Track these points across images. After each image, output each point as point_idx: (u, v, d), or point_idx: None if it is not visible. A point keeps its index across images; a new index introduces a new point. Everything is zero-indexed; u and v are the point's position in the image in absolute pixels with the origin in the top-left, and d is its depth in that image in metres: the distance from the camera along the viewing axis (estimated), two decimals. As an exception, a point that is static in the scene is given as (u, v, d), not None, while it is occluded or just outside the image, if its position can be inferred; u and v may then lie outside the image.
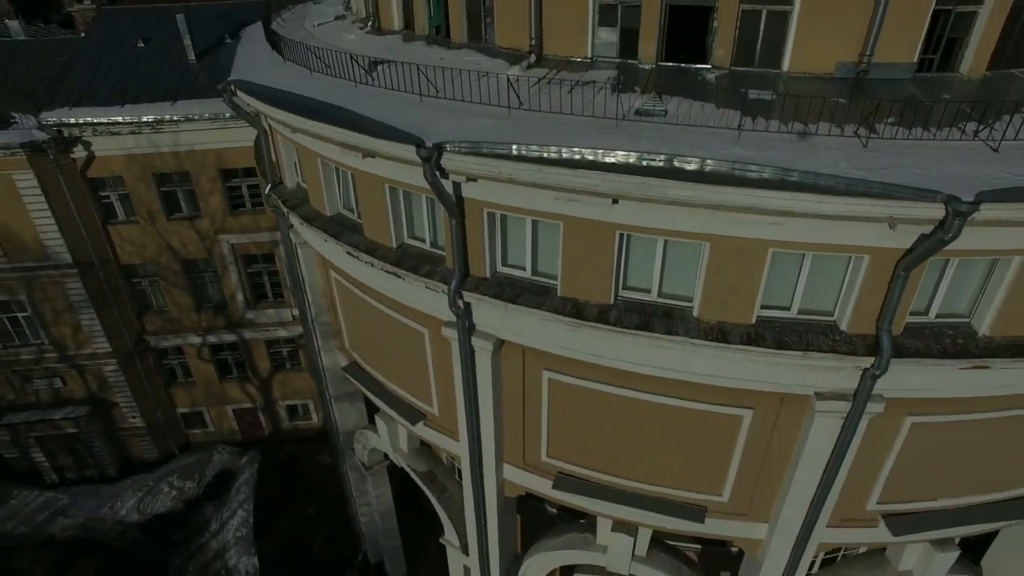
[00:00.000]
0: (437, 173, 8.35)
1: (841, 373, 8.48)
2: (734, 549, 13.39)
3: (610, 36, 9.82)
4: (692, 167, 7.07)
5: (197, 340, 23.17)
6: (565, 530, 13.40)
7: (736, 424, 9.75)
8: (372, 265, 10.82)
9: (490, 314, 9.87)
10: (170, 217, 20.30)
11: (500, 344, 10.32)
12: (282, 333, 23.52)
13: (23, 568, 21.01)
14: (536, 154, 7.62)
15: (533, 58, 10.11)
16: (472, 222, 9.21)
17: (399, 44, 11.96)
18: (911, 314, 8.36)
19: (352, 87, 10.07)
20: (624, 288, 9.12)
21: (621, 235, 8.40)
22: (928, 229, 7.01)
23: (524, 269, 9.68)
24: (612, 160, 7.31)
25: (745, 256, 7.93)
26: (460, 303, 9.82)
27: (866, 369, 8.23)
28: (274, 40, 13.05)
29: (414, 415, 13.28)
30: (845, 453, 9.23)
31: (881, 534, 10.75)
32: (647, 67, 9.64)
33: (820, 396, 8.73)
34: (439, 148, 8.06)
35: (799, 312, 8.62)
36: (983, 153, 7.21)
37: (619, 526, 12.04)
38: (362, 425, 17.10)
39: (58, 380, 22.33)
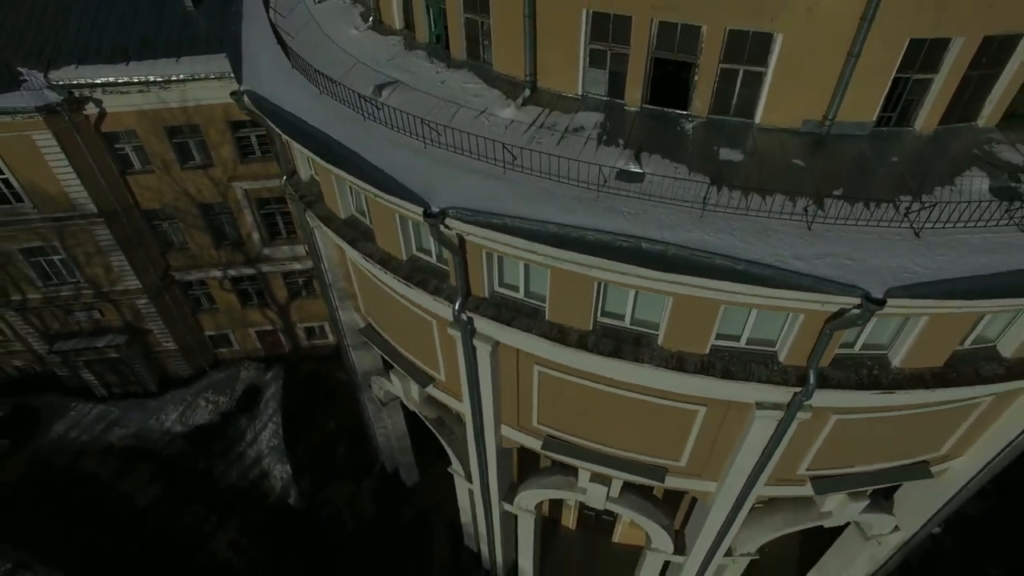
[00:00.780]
0: (441, 227, 9.64)
1: (777, 392, 10.33)
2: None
3: (600, 76, 10.49)
4: (656, 250, 8.41)
5: (218, 274, 24.92)
6: (553, 472, 16.01)
7: (692, 416, 11.79)
8: (385, 273, 12.30)
9: (489, 325, 11.53)
10: (184, 166, 21.18)
11: (497, 344, 12.08)
12: (297, 266, 25.21)
13: (92, 471, 24.43)
14: (524, 227, 8.90)
15: (528, 92, 10.82)
16: (472, 258, 10.61)
17: (401, 52, 12.44)
18: (840, 347, 10.03)
19: (360, 120, 10.90)
20: (602, 315, 10.72)
21: (599, 283, 9.86)
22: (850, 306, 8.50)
23: (517, 290, 11.21)
24: (591, 239, 8.62)
25: (701, 308, 9.47)
26: (464, 317, 11.45)
27: (796, 393, 10.07)
28: (278, 33, 13.43)
29: (424, 378, 15.36)
30: (779, 442, 11.32)
31: (808, 491, 13.24)
32: (632, 110, 10.45)
33: (760, 406, 10.65)
34: (443, 212, 9.29)
35: (747, 342, 10.29)
36: (906, 239, 8.46)
37: (596, 477, 14.56)
38: (378, 368, 19.30)
39: (97, 312, 24.43)
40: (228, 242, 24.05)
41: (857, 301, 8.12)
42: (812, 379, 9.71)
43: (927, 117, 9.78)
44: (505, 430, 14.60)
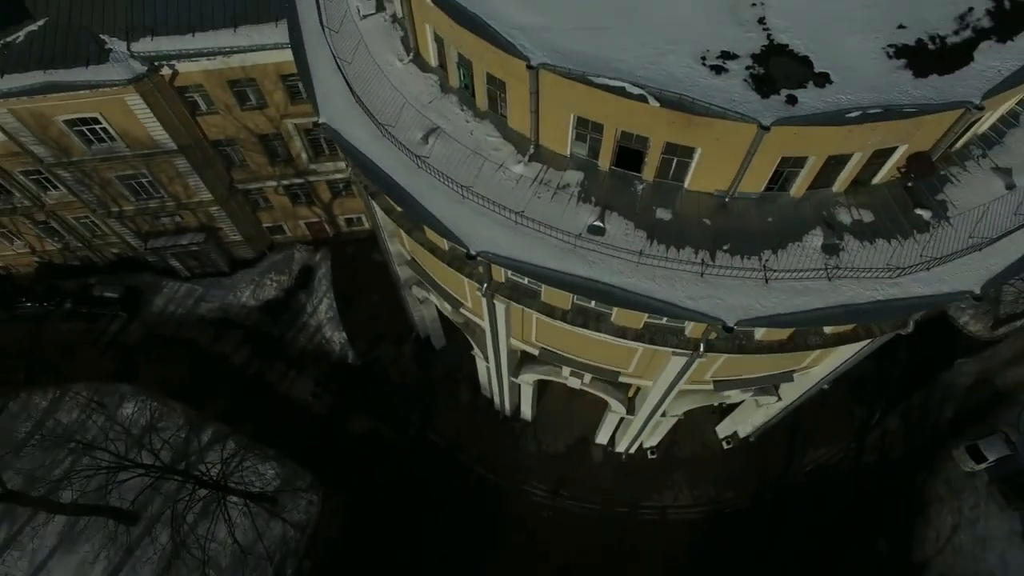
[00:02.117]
0: (476, 260, 15.15)
1: (683, 351, 16.68)
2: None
3: (583, 145, 15.11)
4: (606, 290, 14.12)
5: (273, 183, 29.80)
6: (545, 362, 22.98)
7: (634, 351, 18.35)
8: (434, 259, 17.93)
9: (504, 299, 17.51)
10: (243, 108, 25.07)
11: (510, 303, 18.14)
12: (338, 175, 29.92)
13: (193, 337, 31.77)
14: (526, 268, 14.46)
15: (533, 149, 15.47)
16: (496, 268, 16.22)
17: (439, 96, 16.49)
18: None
19: (414, 167, 15.66)
20: (576, 299, 16.65)
21: (575, 291, 15.69)
22: (719, 322, 14.46)
23: (523, 279, 16.98)
24: (567, 280, 14.27)
25: (635, 313, 15.40)
26: (488, 292, 17.36)
27: (694, 352, 16.44)
28: (340, 66, 17.26)
29: (455, 302, 21.66)
30: (688, 368, 17.98)
31: (711, 388, 20.30)
32: (604, 170, 15.24)
33: (674, 353, 17.08)
34: (478, 254, 14.76)
35: (666, 321, 16.37)
36: (759, 284, 14.07)
37: (574, 372, 21.58)
38: (417, 280, 25.35)
39: (179, 217, 29.82)
40: (280, 160, 28.56)
41: (719, 326, 14.04)
42: (702, 347, 16.03)
43: (798, 187, 14.69)
44: (513, 341, 21.27)
